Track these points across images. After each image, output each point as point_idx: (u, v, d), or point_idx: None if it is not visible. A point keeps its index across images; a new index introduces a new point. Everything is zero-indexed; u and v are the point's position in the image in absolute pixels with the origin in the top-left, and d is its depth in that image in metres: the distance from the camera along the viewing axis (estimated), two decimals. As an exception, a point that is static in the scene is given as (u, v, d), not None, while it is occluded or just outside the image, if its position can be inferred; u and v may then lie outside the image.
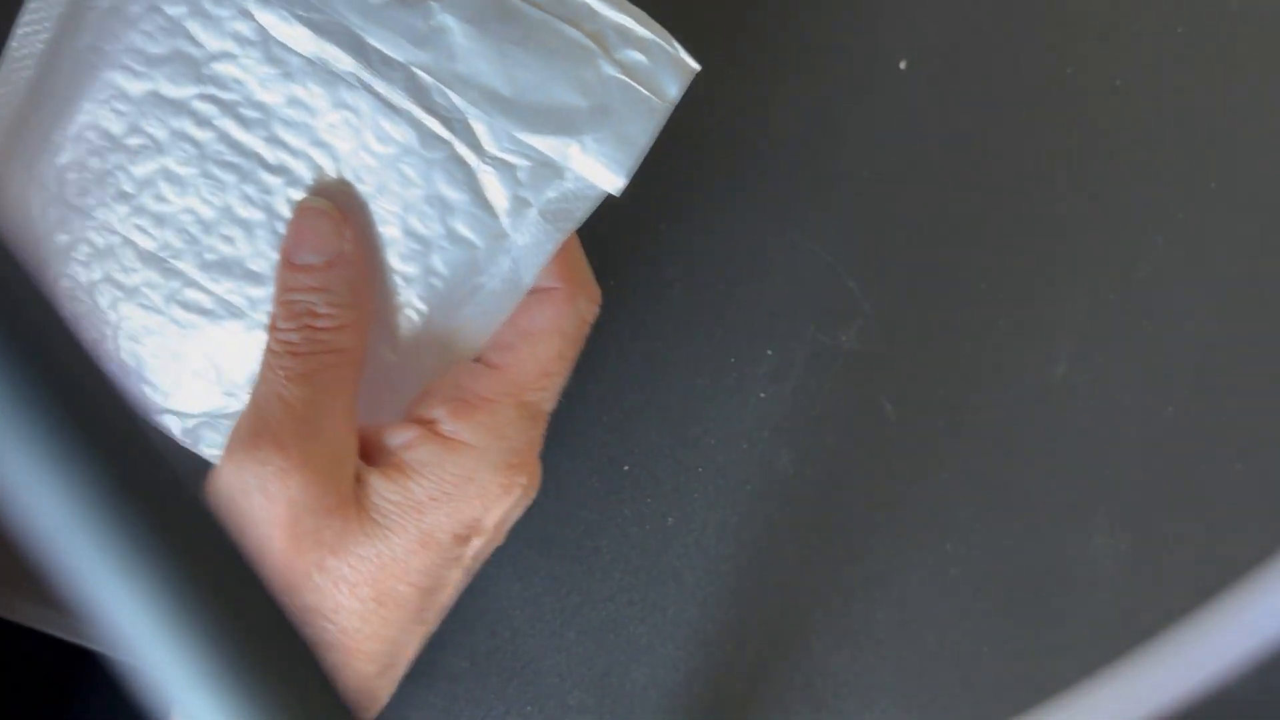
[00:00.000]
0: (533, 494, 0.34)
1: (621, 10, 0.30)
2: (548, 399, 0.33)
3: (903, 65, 0.43)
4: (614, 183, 0.30)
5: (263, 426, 0.31)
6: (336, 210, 0.32)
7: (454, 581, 0.33)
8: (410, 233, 0.32)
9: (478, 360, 0.33)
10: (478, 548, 0.33)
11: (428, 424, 0.32)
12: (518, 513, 0.34)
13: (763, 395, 0.42)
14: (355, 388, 0.32)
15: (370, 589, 0.31)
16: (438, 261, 0.32)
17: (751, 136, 0.43)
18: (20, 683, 0.45)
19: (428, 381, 0.33)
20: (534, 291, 0.33)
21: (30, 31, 0.32)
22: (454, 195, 0.31)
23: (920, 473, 0.42)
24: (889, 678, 0.41)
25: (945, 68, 0.43)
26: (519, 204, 0.31)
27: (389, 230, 0.32)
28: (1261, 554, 0.41)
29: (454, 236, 0.32)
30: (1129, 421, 0.42)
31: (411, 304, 0.33)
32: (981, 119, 0.43)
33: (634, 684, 0.41)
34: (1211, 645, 0.17)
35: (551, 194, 0.31)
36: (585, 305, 0.34)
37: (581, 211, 0.31)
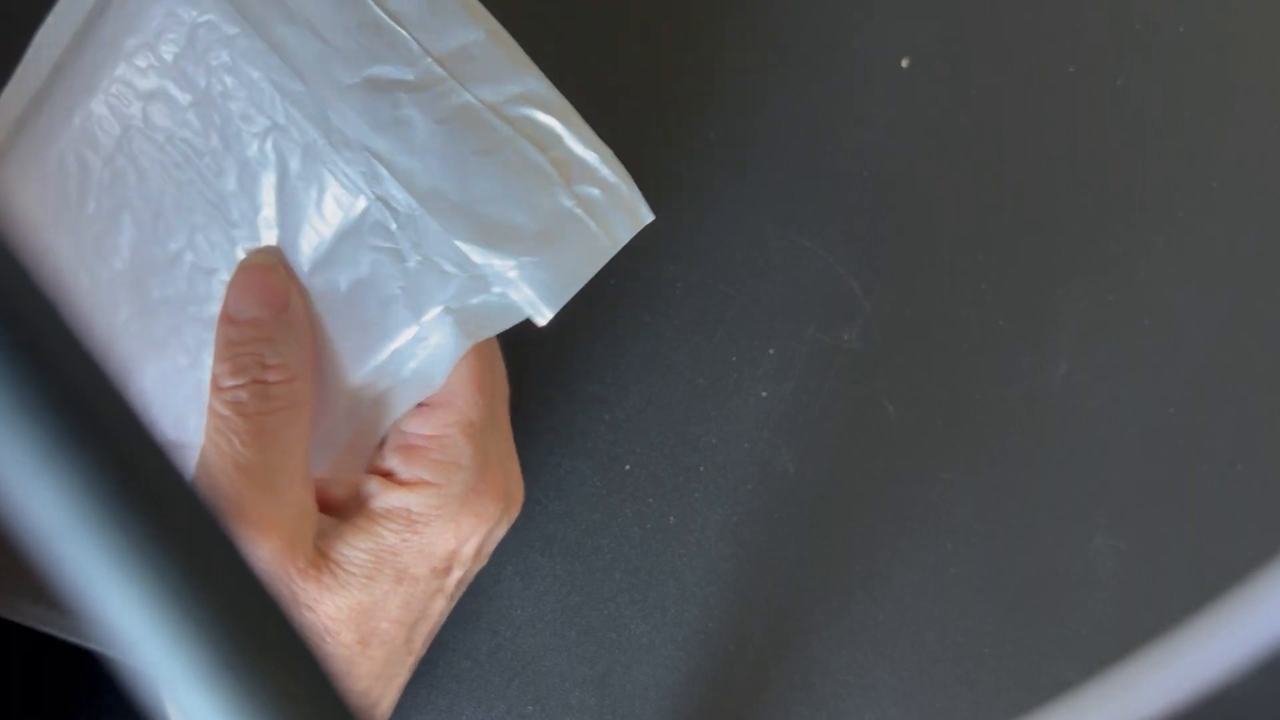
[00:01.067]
0: (514, 513, 0.34)
1: (589, 145, 0.29)
2: (488, 410, 0.33)
3: (904, 64, 0.43)
4: (543, 314, 0.30)
5: (219, 495, 0.30)
6: (282, 266, 0.31)
7: (439, 610, 0.33)
8: (346, 307, 0.32)
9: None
10: (459, 577, 0.33)
11: (385, 474, 0.32)
12: (499, 534, 0.34)
13: (763, 395, 0.42)
14: (307, 442, 0.31)
15: (353, 633, 0.31)
16: (363, 340, 0.32)
17: (752, 136, 0.43)
18: (20, 683, 0.45)
19: (366, 438, 0.33)
20: None
21: (44, 42, 0.33)
22: (388, 287, 0.31)
23: (920, 472, 0.42)
24: (889, 677, 0.41)
25: (946, 67, 0.43)
26: (443, 311, 0.31)
27: (327, 299, 0.32)
28: (1261, 554, 0.41)
29: (380, 324, 0.31)
30: (1129, 421, 0.42)
31: (344, 369, 0.32)
32: (982, 119, 0.43)
33: (635, 684, 0.41)
34: (1211, 646, 0.17)
35: (475, 302, 0.30)
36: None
37: (498, 327, 0.31)
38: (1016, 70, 0.43)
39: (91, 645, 0.41)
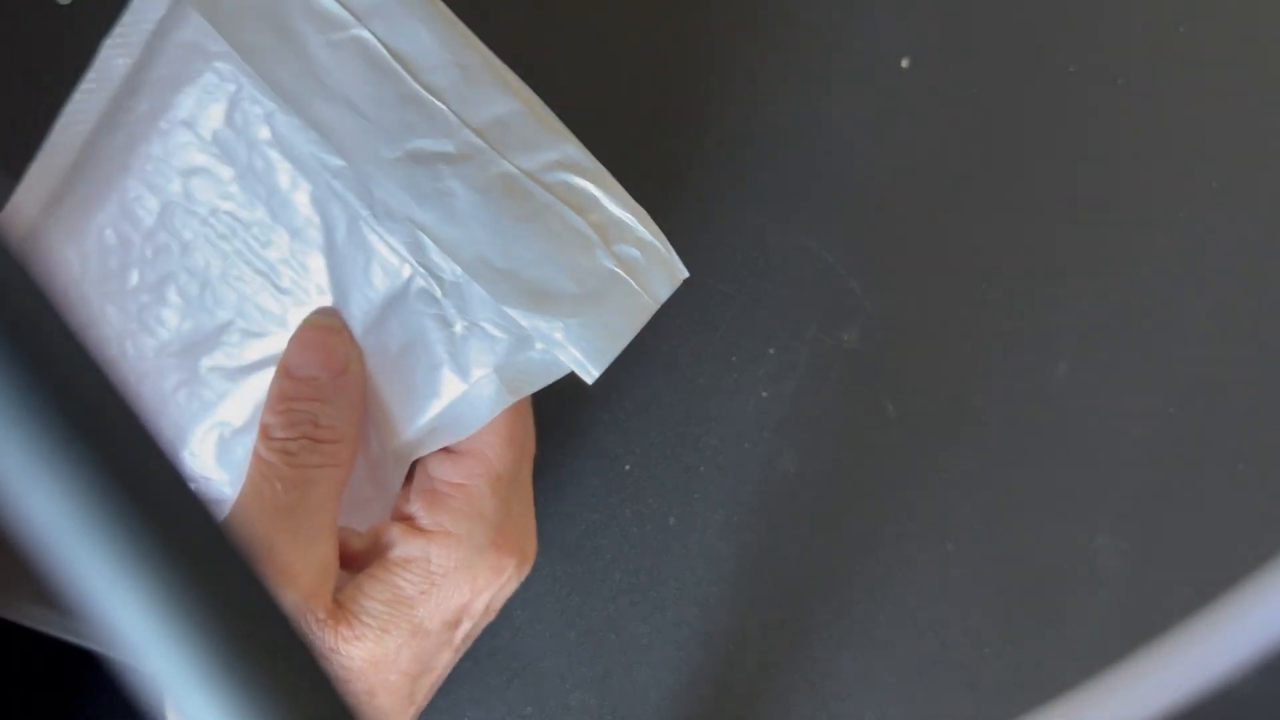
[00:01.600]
0: (526, 570, 0.34)
1: (625, 207, 0.30)
2: (516, 465, 0.33)
3: (904, 64, 0.43)
4: (590, 374, 0.30)
5: (251, 532, 0.30)
6: (345, 329, 0.32)
7: (445, 663, 0.33)
8: (395, 370, 0.32)
9: (442, 449, 0.33)
10: (467, 630, 0.33)
11: (407, 520, 0.32)
12: (510, 591, 0.34)
13: (764, 395, 0.42)
14: (338, 503, 0.32)
15: (363, 683, 0.31)
16: (410, 403, 0.32)
17: (752, 136, 0.43)
18: (20, 683, 0.45)
19: (390, 489, 0.33)
20: None
21: (72, 120, 0.33)
22: (436, 351, 0.31)
23: (921, 473, 0.42)
24: (890, 678, 0.41)
25: (946, 67, 0.43)
26: (491, 372, 0.31)
27: (377, 362, 0.32)
28: (1261, 554, 0.41)
29: (428, 388, 0.32)
30: (1129, 421, 0.42)
31: (391, 431, 0.33)
32: (982, 118, 0.43)
33: (635, 684, 0.41)
34: (1212, 646, 0.17)
35: (519, 359, 0.31)
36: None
37: (541, 383, 0.31)
38: (1016, 70, 0.43)
39: (91, 645, 0.41)
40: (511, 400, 0.31)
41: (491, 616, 0.34)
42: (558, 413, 0.42)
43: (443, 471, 0.32)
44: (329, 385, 0.31)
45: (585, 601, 0.41)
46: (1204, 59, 0.43)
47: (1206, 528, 0.41)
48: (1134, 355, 0.42)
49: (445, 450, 0.33)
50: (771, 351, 0.42)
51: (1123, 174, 0.42)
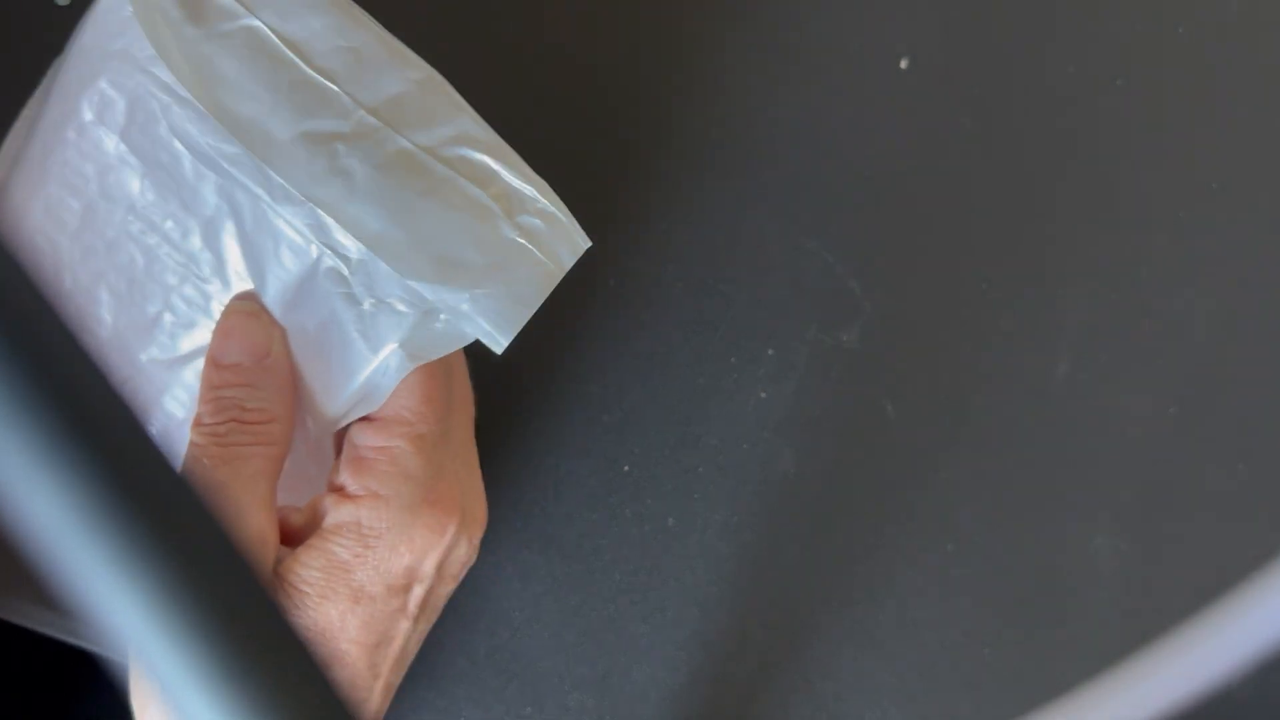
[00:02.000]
0: (475, 532, 0.34)
1: (525, 179, 0.31)
2: (440, 424, 0.33)
3: (903, 65, 0.43)
4: (499, 342, 0.31)
5: None
6: (265, 312, 0.32)
7: (403, 632, 0.33)
8: (316, 348, 0.33)
9: (362, 418, 0.33)
10: (420, 596, 0.33)
11: (337, 490, 0.32)
12: (462, 554, 0.34)
13: (763, 395, 0.42)
14: (276, 479, 0.32)
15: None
16: (331, 378, 0.33)
17: (752, 136, 0.43)
18: (20, 683, 0.45)
19: (327, 464, 0.34)
20: None
21: (10, 139, 0.35)
22: (348, 329, 0.32)
23: (921, 473, 0.42)
24: (890, 678, 0.41)
25: (945, 68, 0.43)
26: (399, 347, 0.32)
27: (299, 341, 0.33)
28: (1262, 554, 0.41)
29: (345, 363, 0.32)
30: (1129, 421, 0.42)
31: (317, 406, 0.33)
32: (981, 119, 0.43)
33: (634, 684, 0.41)
34: (1212, 646, 0.17)
35: (423, 333, 0.31)
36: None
37: (443, 351, 0.32)
38: (1016, 70, 0.43)
39: (91, 645, 0.41)
40: (412, 366, 0.32)
41: (451, 584, 0.34)
42: (557, 413, 0.42)
43: (365, 438, 0.32)
44: (253, 369, 0.32)
45: (585, 601, 0.41)
46: (1204, 59, 0.43)
47: (1206, 528, 0.41)
48: (1134, 355, 0.42)
49: (366, 418, 0.33)
50: (771, 352, 0.42)
51: (1123, 174, 0.42)
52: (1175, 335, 0.42)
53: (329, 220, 0.30)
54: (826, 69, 0.43)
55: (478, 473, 0.35)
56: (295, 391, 0.33)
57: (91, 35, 0.32)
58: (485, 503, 0.35)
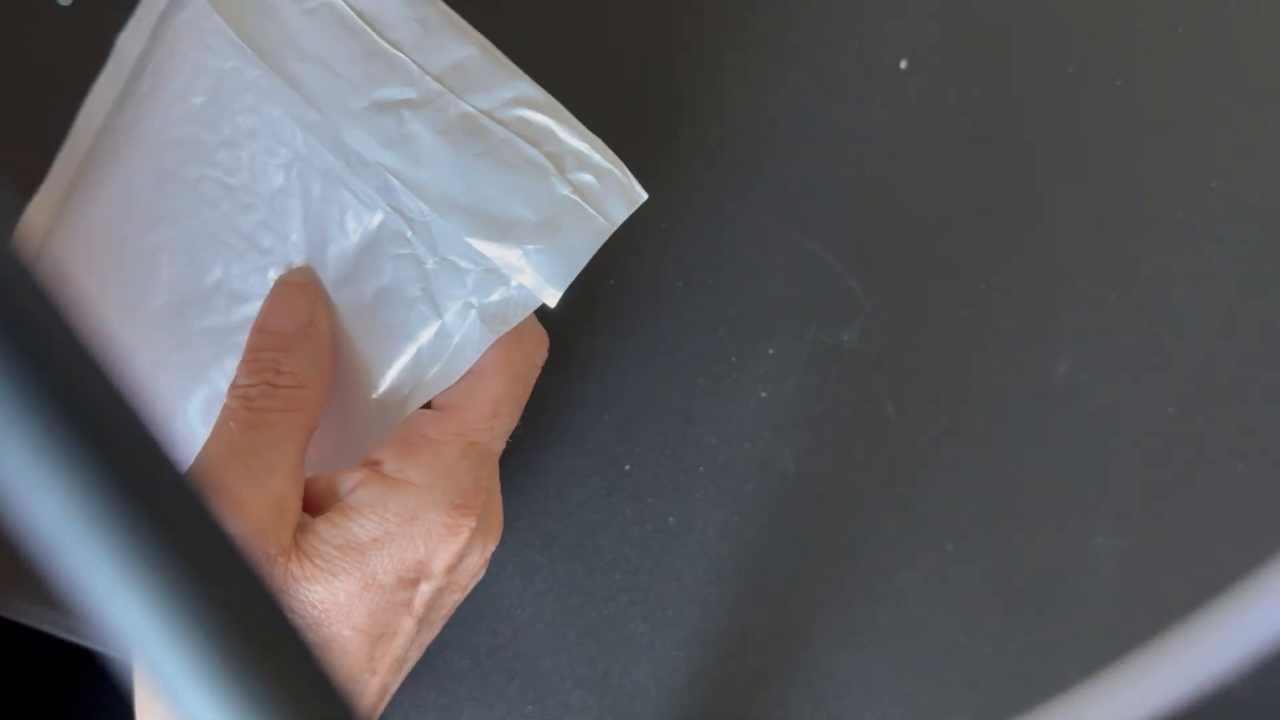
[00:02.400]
0: (491, 543, 0.34)
1: (581, 137, 0.32)
2: (496, 440, 0.33)
3: (903, 65, 0.43)
4: (551, 295, 0.32)
5: (207, 469, 0.31)
6: (312, 285, 0.33)
7: (406, 630, 0.32)
8: (372, 316, 0.34)
9: (426, 406, 0.34)
10: (428, 594, 0.32)
11: (373, 465, 0.32)
12: (474, 563, 0.34)
13: (764, 395, 0.42)
14: (304, 447, 0.32)
15: (314, 635, 0.31)
16: (388, 344, 0.34)
17: (752, 136, 0.43)
18: (20, 683, 0.45)
19: (368, 439, 0.34)
20: None
21: (88, 113, 0.37)
22: (410, 290, 0.33)
23: (921, 472, 0.42)
24: (890, 677, 0.41)
25: (945, 68, 0.43)
26: (464, 306, 0.33)
27: (354, 311, 0.34)
28: (1261, 554, 0.41)
29: (405, 326, 0.33)
30: (1129, 421, 0.42)
31: (371, 375, 0.34)
32: (981, 119, 0.43)
33: (635, 683, 0.41)
34: (1211, 645, 0.17)
35: (494, 298, 0.33)
36: (534, 348, 0.35)
37: (517, 317, 0.33)
38: (1015, 71, 0.43)
39: (91, 645, 0.41)
40: (493, 338, 0.33)
41: (459, 592, 0.34)
42: (558, 413, 0.42)
43: (421, 424, 0.33)
44: (292, 334, 0.33)
45: (585, 601, 0.41)
46: (1204, 59, 0.43)
47: (1206, 528, 0.41)
48: (1134, 355, 0.42)
49: (432, 407, 0.33)
50: (771, 351, 0.42)
51: (1123, 174, 0.42)
52: (1175, 335, 0.42)
53: (395, 183, 0.32)
54: (826, 69, 0.43)
55: (499, 491, 0.35)
56: (343, 361, 0.33)
57: (189, 13, 0.34)
58: (502, 517, 0.35)
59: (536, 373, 0.35)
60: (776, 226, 0.42)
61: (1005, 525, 0.41)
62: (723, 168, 0.42)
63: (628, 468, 0.42)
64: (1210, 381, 0.42)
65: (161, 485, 0.13)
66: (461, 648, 0.41)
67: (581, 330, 0.42)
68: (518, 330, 0.33)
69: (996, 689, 0.41)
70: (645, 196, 0.32)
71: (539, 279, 0.32)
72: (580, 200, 0.32)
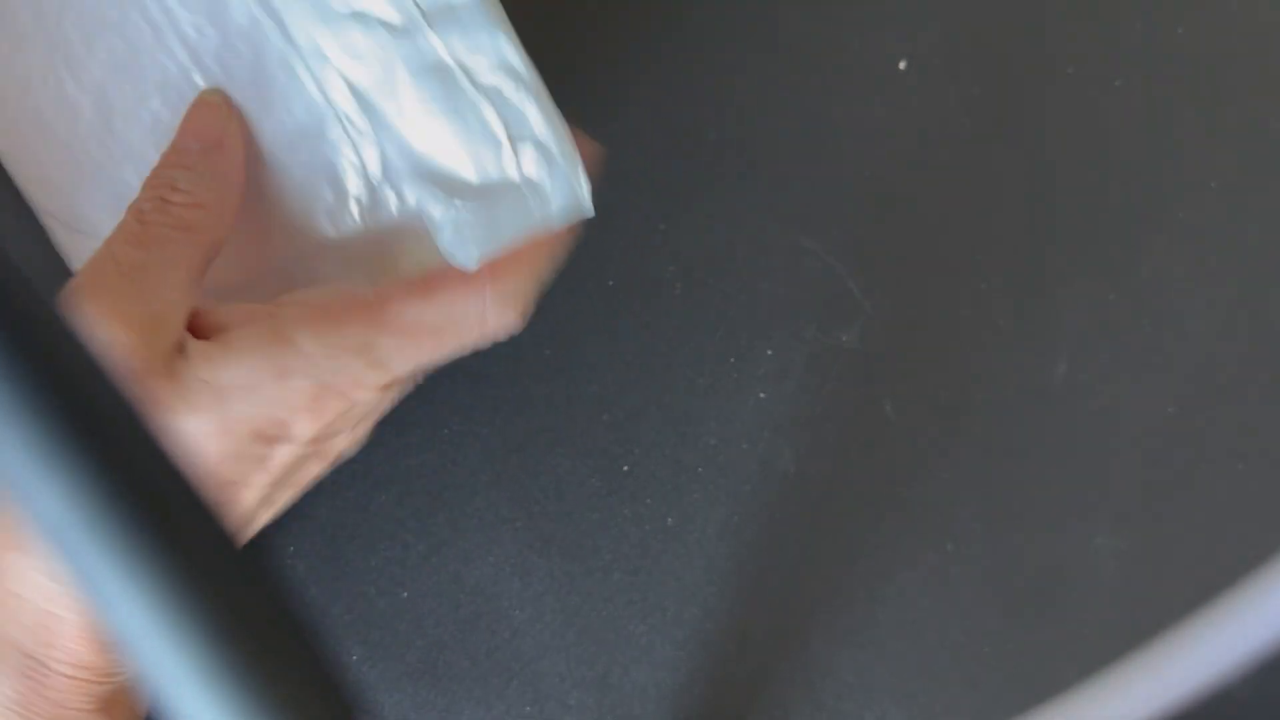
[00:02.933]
0: (361, 431, 0.33)
1: (550, 128, 0.31)
2: (401, 363, 0.31)
3: (902, 65, 0.43)
4: (453, 257, 0.31)
5: (88, 280, 0.30)
6: (224, 105, 0.32)
7: (257, 484, 0.31)
8: (296, 188, 0.33)
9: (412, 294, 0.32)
10: (285, 458, 0.31)
11: (274, 310, 0.31)
12: (342, 440, 0.32)
13: (763, 395, 0.42)
14: (199, 269, 0.31)
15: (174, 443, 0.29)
16: (308, 217, 0.33)
17: (751, 136, 0.43)
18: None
19: (268, 286, 0.34)
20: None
21: None
22: (344, 185, 0.32)
23: (921, 473, 0.42)
24: (890, 678, 0.41)
25: (945, 68, 0.43)
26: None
27: (279, 149, 0.33)
28: (1261, 554, 0.41)
29: (328, 214, 0.33)
30: (1129, 421, 0.42)
31: (288, 214, 0.34)
32: (980, 120, 0.43)
33: (634, 684, 0.41)
34: (1211, 645, 0.17)
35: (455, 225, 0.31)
36: (493, 310, 0.32)
37: (498, 240, 0.31)
38: (1015, 71, 0.43)
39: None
40: (473, 253, 0.31)
41: (321, 461, 0.33)
42: (557, 413, 0.42)
43: (346, 299, 0.31)
44: (195, 153, 0.32)
45: (584, 602, 0.41)
46: (1203, 59, 0.43)
47: (1205, 528, 0.41)
48: (1133, 355, 0.42)
49: (413, 291, 0.32)
50: (770, 352, 0.42)
51: (1122, 174, 0.42)
52: (1175, 335, 0.42)
53: (352, 95, 0.31)
54: (826, 69, 0.43)
55: (386, 407, 0.34)
56: (241, 190, 0.32)
57: None
58: (372, 430, 0.33)
59: (480, 338, 0.32)
60: (776, 226, 0.42)
61: (1005, 525, 0.41)
62: (722, 168, 0.42)
63: (626, 468, 0.42)
64: (1210, 381, 0.42)
65: (163, 485, 0.13)
66: (460, 649, 0.41)
67: (581, 331, 0.42)
68: (501, 290, 0.32)
69: (996, 689, 0.41)
70: (591, 213, 0.31)
71: (450, 235, 0.31)
72: (524, 190, 0.31)
